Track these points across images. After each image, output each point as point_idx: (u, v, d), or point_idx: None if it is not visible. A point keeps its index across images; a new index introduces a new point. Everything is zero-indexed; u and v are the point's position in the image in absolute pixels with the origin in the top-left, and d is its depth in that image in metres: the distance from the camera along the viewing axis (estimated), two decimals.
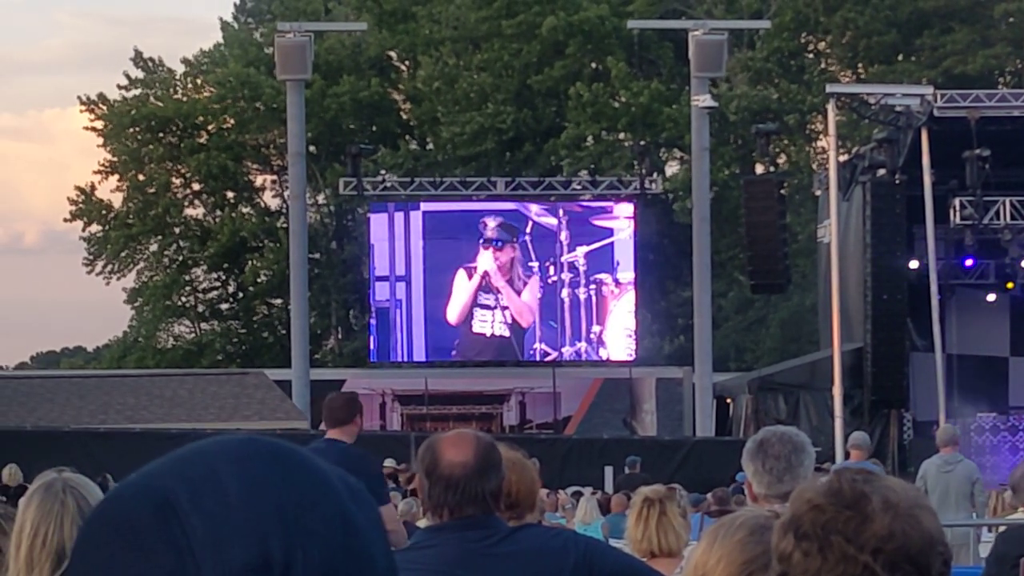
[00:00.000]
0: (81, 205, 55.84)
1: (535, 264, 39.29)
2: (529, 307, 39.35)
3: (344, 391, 10.80)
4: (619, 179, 41.19)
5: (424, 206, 39.59)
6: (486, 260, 39.22)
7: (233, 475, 1.33)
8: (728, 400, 36.94)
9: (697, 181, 35.89)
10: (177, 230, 56.86)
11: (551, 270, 39.33)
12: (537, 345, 39.55)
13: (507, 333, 39.42)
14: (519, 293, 39.36)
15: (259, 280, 56.52)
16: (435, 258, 39.30)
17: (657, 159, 49.39)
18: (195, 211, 57.33)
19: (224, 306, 58.32)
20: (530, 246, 39.32)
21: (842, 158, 36.80)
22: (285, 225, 49.22)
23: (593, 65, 53.17)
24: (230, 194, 57.16)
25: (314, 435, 22.25)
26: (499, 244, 39.24)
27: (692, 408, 36.68)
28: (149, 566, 1.30)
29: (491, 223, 39.27)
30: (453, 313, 39.35)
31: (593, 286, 39.28)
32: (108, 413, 36.44)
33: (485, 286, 39.33)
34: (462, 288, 39.31)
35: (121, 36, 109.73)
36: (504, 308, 39.37)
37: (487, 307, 39.44)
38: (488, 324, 39.46)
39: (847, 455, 18.41)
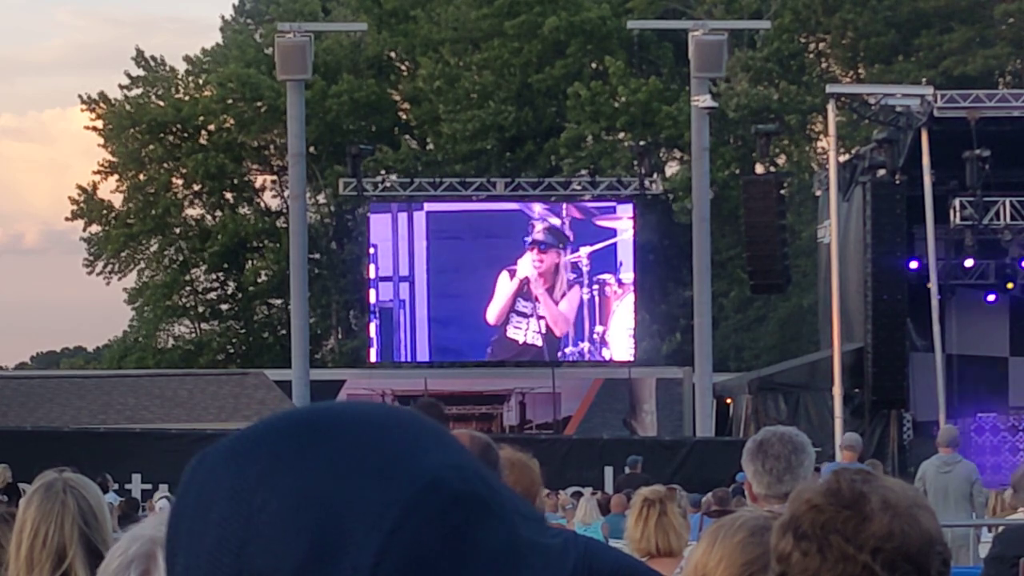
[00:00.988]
0: (82, 204, 55.87)
1: (539, 265, 39.21)
2: (565, 316, 39.18)
3: (427, 397, 10.57)
4: (619, 179, 41.18)
5: (428, 206, 39.57)
6: (526, 265, 39.05)
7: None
8: (728, 400, 36.90)
9: (697, 181, 35.84)
10: (177, 230, 56.87)
11: (551, 270, 39.30)
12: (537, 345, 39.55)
13: (540, 343, 39.32)
14: (557, 302, 39.20)
15: (259, 280, 56.54)
16: (439, 258, 39.25)
17: (657, 159, 49.38)
18: (195, 211, 57.38)
19: (224, 306, 58.33)
20: (530, 244, 39.28)
21: (842, 158, 36.78)
22: (285, 225, 49.22)
23: (593, 65, 53.21)
24: (230, 195, 57.18)
25: None
26: (544, 247, 39.10)
27: (692, 408, 36.64)
28: None
29: (539, 225, 39.16)
30: (492, 314, 39.26)
31: (596, 286, 39.25)
32: (108, 413, 36.44)
33: (524, 292, 39.22)
34: (503, 290, 39.20)
35: (121, 36, 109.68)
36: (540, 318, 39.22)
37: (523, 315, 39.30)
38: (522, 332, 39.32)
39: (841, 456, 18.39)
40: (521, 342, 39.37)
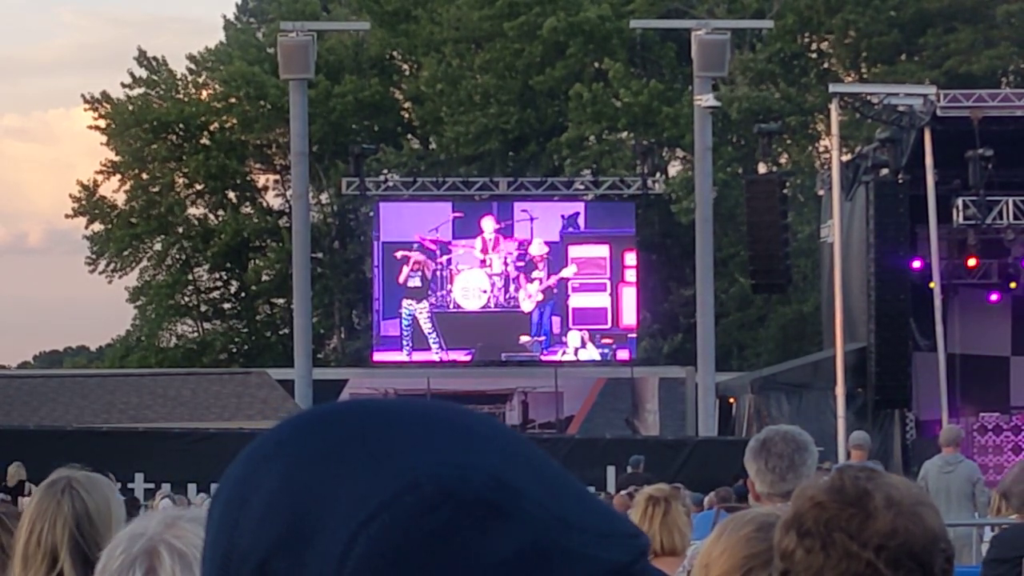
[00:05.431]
0: (83, 202, 55.85)
1: (541, 263, 39.24)
2: (528, 294, 39.25)
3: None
4: (621, 179, 41.18)
5: (428, 203, 39.63)
6: (479, 252, 39.25)
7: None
8: (731, 400, 36.89)
9: (700, 181, 35.84)
10: (180, 229, 56.86)
11: (553, 269, 39.31)
12: (538, 340, 39.51)
13: (499, 309, 39.36)
14: (517, 286, 39.30)
15: (262, 280, 56.51)
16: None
17: (660, 159, 49.36)
18: (198, 211, 57.37)
19: (227, 305, 58.32)
20: (532, 245, 39.30)
21: (845, 158, 36.76)
22: (288, 225, 49.17)
23: (596, 65, 53.15)
24: (232, 194, 57.17)
25: None
26: (495, 240, 39.22)
27: (695, 408, 36.65)
28: None
29: (489, 219, 39.29)
30: (463, 301, 39.47)
31: (597, 284, 39.26)
32: (111, 412, 36.44)
33: (481, 276, 39.36)
34: (466, 279, 39.40)
35: (124, 36, 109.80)
36: (497, 293, 39.39)
37: (484, 291, 39.55)
38: (483, 300, 39.51)
39: (849, 455, 18.37)
40: (479, 309, 39.32)
